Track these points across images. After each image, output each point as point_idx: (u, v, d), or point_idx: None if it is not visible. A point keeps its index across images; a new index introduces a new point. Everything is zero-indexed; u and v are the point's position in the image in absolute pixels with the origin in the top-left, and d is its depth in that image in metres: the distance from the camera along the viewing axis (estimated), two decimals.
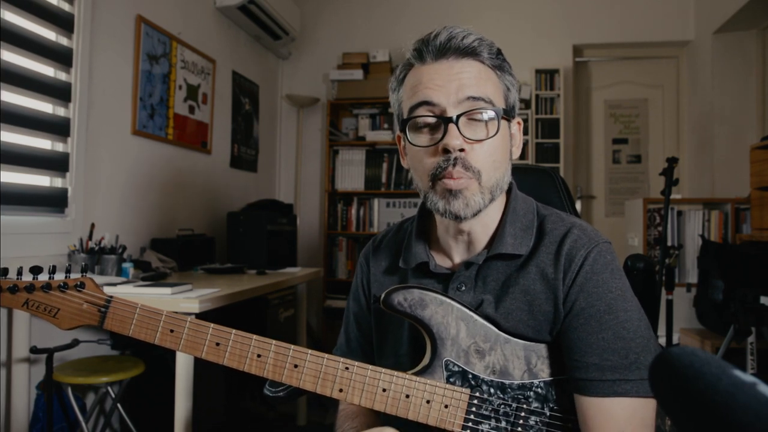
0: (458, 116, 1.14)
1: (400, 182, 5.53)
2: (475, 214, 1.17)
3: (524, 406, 1.13)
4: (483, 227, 1.24)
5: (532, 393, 1.14)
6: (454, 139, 1.13)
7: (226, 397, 3.42)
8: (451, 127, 1.13)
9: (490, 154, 1.17)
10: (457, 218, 1.17)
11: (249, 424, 3.76)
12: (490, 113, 1.16)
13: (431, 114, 1.17)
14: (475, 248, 1.26)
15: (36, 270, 1.21)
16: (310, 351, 1.16)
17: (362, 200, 5.65)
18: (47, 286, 1.20)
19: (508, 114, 1.22)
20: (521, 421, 1.13)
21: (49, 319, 1.21)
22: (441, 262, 1.30)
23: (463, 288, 1.23)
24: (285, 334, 3.82)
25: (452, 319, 1.16)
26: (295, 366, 1.15)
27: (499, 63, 1.22)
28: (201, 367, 2.55)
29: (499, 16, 5.66)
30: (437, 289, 1.20)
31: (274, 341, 1.16)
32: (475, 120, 1.16)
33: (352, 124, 5.85)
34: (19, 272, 1.25)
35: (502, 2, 5.71)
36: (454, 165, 1.13)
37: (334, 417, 1.40)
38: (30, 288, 1.20)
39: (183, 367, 2.39)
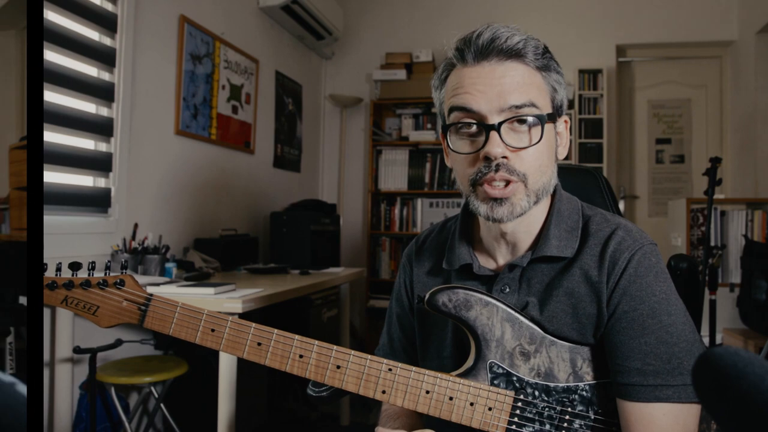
0: (500, 124, 1.10)
1: (444, 182, 5.49)
2: (518, 216, 1.15)
3: (569, 409, 1.12)
4: (527, 228, 1.21)
5: (576, 396, 1.12)
6: (495, 147, 1.10)
7: (269, 398, 3.42)
8: (493, 134, 1.10)
9: (535, 159, 1.13)
10: (500, 221, 1.15)
11: (292, 424, 3.75)
12: (534, 119, 1.12)
13: (472, 120, 1.13)
14: (519, 250, 1.24)
15: (75, 266, 1.19)
16: (352, 352, 1.14)
17: (405, 200, 5.62)
18: (86, 283, 1.19)
19: (553, 116, 1.18)
20: (565, 425, 1.12)
21: (88, 316, 1.20)
22: (484, 263, 1.28)
23: (507, 290, 1.21)
24: (328, 335, 3.80)
25: (497, 321, 1.15)
26: (338, 367, 1.14)
27: (545, 63, 1.17)
28: (244, 367, 2.54)
29: (542, 17, 5.62)
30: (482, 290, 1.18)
31: (316, 341, 1.15)
32: (519, 126, 1.12)
33: (395, 124, 5.82)
34: (58, 268, 1.23)
35: (545, 2, 5.66)
36: (497, 170, 1.11)
37: (378, 417, 1.38)
38: (69, 285, 1.19)
39: (226, 367, 2.38)
